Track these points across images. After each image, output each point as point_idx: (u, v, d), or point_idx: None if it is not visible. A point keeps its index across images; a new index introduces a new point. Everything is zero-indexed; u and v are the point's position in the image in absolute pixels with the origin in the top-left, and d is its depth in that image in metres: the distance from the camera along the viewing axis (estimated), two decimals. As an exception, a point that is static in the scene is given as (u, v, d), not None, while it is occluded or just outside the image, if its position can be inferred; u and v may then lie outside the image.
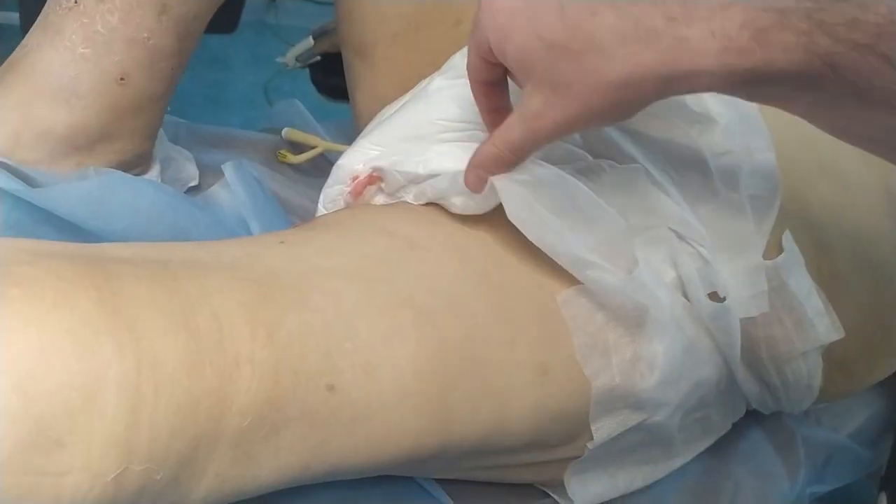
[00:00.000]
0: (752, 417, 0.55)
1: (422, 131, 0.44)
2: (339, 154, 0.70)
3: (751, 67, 0.30)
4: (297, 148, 0.69)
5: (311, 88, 0.92)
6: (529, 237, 0.39)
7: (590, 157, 0.43)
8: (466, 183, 0.39)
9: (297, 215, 0.62)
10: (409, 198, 0.44)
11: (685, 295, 0.43)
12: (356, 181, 0.45)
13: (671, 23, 0.31)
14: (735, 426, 0.51)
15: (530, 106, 0.36)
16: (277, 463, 0.31)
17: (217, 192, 0.54)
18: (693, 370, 0.42)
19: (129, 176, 0.47)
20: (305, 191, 0.65)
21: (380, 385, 0.33)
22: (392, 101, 0.51)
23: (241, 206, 0.53)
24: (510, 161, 0.38)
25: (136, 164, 0.50)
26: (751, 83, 0.31)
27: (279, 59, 0.91)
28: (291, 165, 0.68)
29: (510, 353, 0.37)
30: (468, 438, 0.37)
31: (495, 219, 0.41)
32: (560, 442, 0.41)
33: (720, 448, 0.52)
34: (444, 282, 0.38)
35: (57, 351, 0.26)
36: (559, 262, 0.39)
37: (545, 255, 0.39)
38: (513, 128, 0.37)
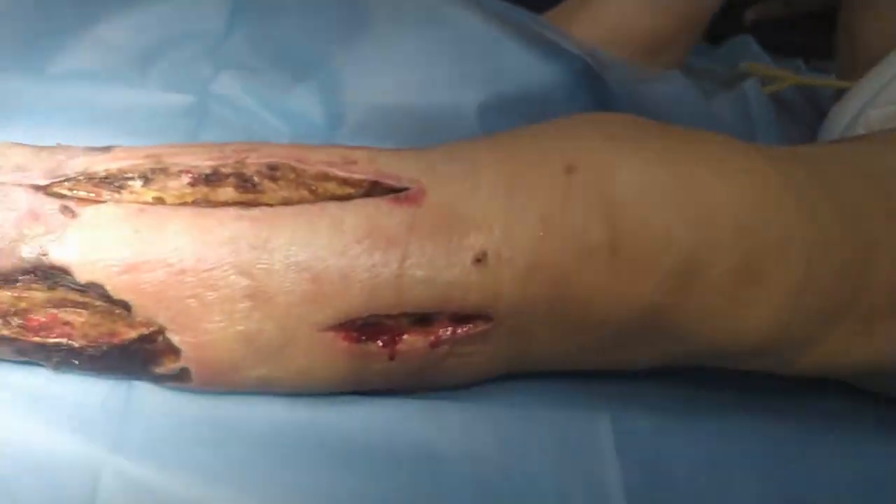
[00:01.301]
0: None
1: None
2: (798, 90, 0.72)
3: None
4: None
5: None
6: None
7: None
8: None
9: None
10: None
11: None
12: None
13: None
14: None
15: None
16: (865, 349, 0.32)
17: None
18: None
19: (687, 80, 0.53)
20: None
21: None
22: None
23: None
24: None
25: (673, 75, 0.55)
26: None
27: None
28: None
29: None
30: None
31: None
32: None
33: None
34: None
35: (762, 202, 0.30)
36: None
37: None
38: None
